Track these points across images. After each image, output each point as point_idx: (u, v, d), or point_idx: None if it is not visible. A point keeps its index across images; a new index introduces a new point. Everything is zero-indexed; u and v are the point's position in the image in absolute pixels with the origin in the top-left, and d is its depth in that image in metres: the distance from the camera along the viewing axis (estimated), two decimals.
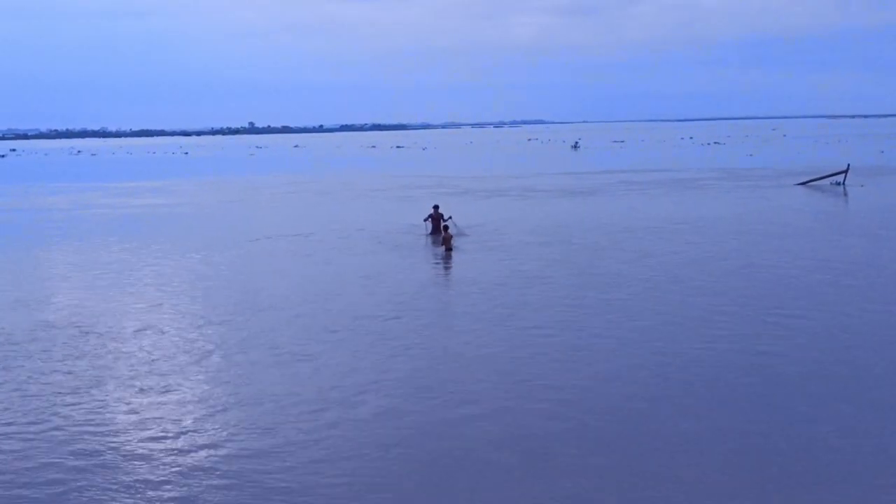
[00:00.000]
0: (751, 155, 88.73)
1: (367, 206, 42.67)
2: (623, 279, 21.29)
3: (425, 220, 30.26)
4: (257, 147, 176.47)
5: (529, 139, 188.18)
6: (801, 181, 48.76)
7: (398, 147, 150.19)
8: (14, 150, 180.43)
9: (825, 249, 25.41)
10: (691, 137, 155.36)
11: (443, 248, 26.32)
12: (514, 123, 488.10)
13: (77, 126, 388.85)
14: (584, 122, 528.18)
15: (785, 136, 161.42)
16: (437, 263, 25.09)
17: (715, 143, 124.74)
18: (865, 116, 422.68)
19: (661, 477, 9.85)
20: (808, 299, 18.54)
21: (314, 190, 56.31)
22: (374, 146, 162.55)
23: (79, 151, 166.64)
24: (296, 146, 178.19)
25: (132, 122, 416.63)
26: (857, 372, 13.48)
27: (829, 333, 15.76)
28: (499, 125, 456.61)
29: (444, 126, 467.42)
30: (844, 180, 46.71)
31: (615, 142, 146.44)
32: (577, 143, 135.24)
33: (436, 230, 29.24)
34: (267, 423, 11.70)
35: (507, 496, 9.51)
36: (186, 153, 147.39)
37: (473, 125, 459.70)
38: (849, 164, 48.76)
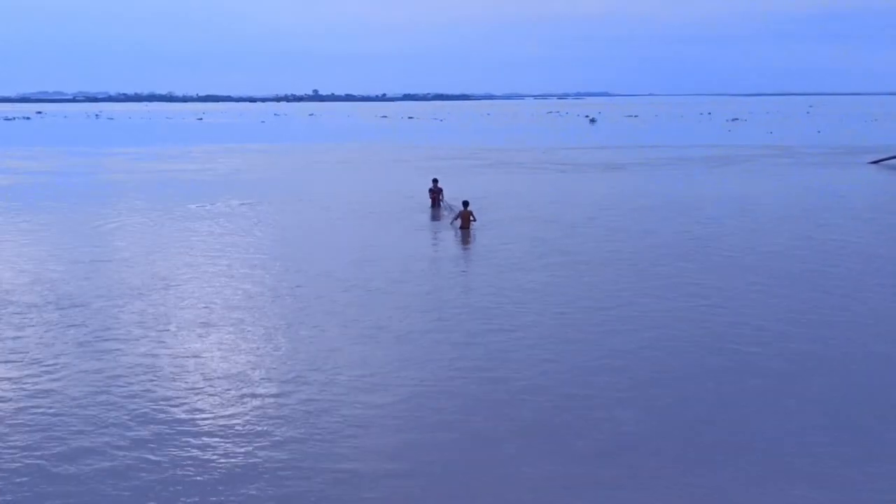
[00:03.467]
0: (771, 133, 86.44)
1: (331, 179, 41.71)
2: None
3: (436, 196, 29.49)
4: (275, 115, 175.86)
5: (549, 111, 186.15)
6: (874, 160, 47.50)
7: (409, 118, 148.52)
8: (40, 112, 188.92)
9: None
10: (710, 113, 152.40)
11: (459, 225, 24.93)
12: (577, 95, 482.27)
13: (145, 90, 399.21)
14: (650, 94, 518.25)
15: (808, 112, 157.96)
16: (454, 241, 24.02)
17: (734, 119, 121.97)
18: None
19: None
20: None
21: (271, 163, 55.32)
22: (385, 116, 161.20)
23: (97, 115, 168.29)
24: (311, 114, 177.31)
25: (199, 87, 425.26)
26: None
27: None
28: (562, 97, 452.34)
29: (506, 97, 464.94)
30: None
31: (628, 116, 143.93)
32: (593, 118, 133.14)
33: (435, 203, 28.94)
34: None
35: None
36: (200, 118, 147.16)
37: (536, 97, 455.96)
38: None
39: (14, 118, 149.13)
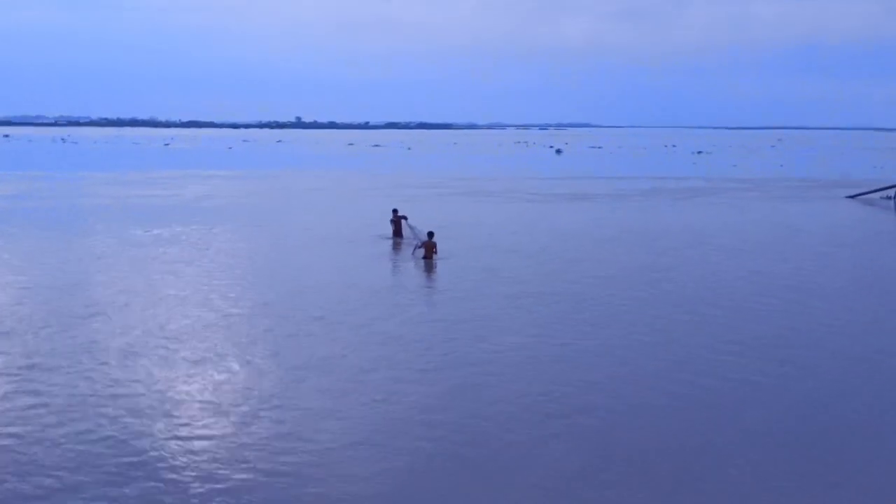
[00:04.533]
0: (734, 166, 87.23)
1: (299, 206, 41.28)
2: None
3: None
4: (243, 141, 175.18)
5: (517, 142, 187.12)
6: (852, 194, 47.39)
7: (376, 146, 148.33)
8: (7, 135, 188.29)
9: None
10: (674, 145, 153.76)
11: (423, 254, 24.57)
12: (559, 126, 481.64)
13: (128, 115, 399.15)
14: (633, 126, 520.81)
15: (773, 146, 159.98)
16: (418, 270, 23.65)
17: (699, 152, 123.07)
18: None
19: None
20: None
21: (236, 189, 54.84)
22: (352, 143, 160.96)
23: (63, 139, 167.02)
24: (279, 141, 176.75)
25: (182, 113, 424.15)
26: None
27: None
28: (544, 127, 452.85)
29: (489, 126, 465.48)
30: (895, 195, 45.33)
31: (592, 147, 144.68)
32: (559, 148, 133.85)
33: (397, 233, 28.61)
34: None
35: None
36: (167, 144, 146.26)
37: (518, 127, 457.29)
38: None
39: None
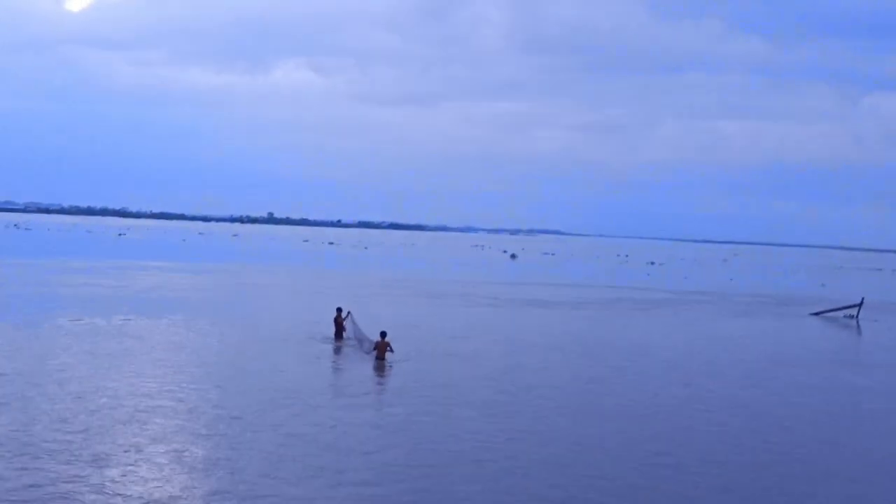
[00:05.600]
0: (685, 278, 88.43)
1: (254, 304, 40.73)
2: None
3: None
4: (199, 234, 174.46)
5: (474, 245, 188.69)
6: (816, 311, 47.87)
7: (330, 243, 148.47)
8: None
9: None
10: (627, 255, 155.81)
11: (375, 355, 24.34)
12: (530, 232, 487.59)
13: (99, 204, 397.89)
14: (601, 235, 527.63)
15: (726, 260, 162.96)
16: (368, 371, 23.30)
17: (651, 263, 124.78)
18: (880, 251, 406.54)
19: None
20: None
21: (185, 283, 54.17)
22: (306, 240, 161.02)
23: (16, 225, 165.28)
24: (234, 235, 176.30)
25: (154, 204, 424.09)
26: None
27: None
28: (514, 232, 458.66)
29: (460, 230, 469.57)
30: (858, 314, 45.88)
31: (545, 254, 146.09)
32: (514, 253, 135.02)
33: (338, 334, 28.14)
34: None
35: None
36: (122, 234, 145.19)
37: (489, 230, 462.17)
38: (863, 298, 47.51)
39: None
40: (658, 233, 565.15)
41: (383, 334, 24.69)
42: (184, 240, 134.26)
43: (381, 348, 24.36)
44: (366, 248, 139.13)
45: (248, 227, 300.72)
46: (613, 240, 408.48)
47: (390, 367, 23.66)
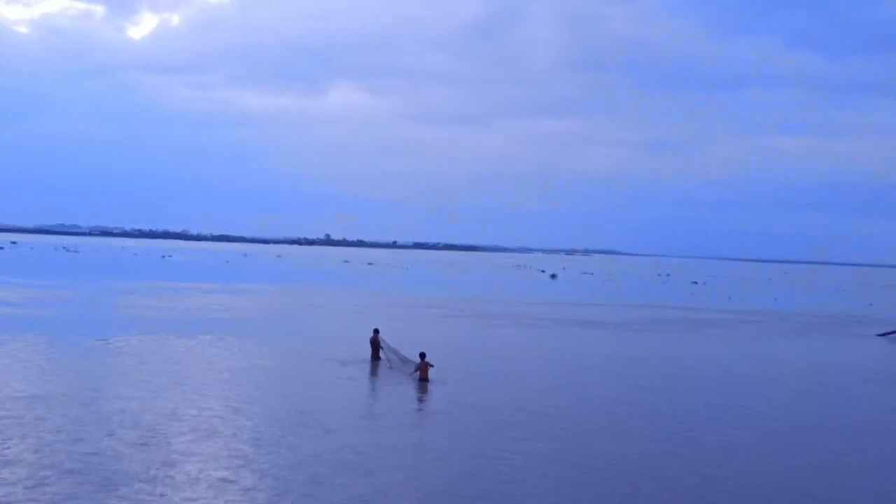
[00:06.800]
0: (729, 297, 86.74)
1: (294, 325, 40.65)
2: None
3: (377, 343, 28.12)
4: (244, 255, 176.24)
5: (516, 265, 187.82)
6: (882, 332, 45.74)
7: (369, 264, 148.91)
8: (14, 242, 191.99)
9: None
10: (668, 274, 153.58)
11: (418, 377, 24.29)
12: (586, 252, 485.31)
13: (160, 227, 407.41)
14: (654, 255, 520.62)
15: (770, 279, 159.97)
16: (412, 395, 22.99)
17: (693, 282, 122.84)
18: None
19: None
20: None
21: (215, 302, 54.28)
22: (346, 261, 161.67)
23: (65, 248, 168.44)
24: (278, 256, 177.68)
25: (214, 226, 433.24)
26: None
27: None
28: (570, 252, 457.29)
29: (515, 250, 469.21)
30: None
31: (584, 273, 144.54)
32: (554, 273, 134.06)
33: (375, 355, 27.74)
34: None
35: None
36: (170, 256, 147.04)
37: (545, 251, 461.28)
38: None
39: None
40: (713, 252, 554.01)
41: (422, 355, 24.52)
42: (227, 261, 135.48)
43: (423, 369, 24.26)
44: (406, 268, 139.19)
45: (295, 248, 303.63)
46: (667, 259, 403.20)
47: (430, 388, 23.45)
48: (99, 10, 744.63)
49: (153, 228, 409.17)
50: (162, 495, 12.95)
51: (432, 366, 24.37)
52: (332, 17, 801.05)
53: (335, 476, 14.39)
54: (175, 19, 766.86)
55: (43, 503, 12.39)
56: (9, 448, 15.10)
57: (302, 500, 13.09)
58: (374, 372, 26.40)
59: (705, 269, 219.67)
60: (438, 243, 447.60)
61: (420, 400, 22.21)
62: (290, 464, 15.05)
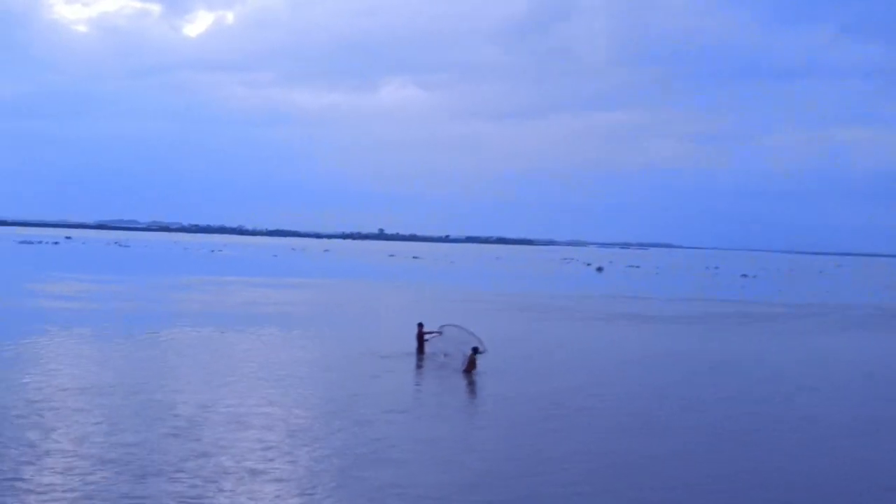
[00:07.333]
0: (778, 291, 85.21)
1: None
2: None
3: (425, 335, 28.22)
4: (291, 249, 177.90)
5: (563, 258, 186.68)
6: None
7: (414, 258, 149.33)
8: (69, 237, 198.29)
9: None
10: (717, 267, 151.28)
11: (463, 367, 24.54)
12: (641, 245, 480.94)
13: (216, 222, 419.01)
14: (714, 248, 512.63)
15: (822, 272, 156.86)
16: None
17: (743, 275, 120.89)
18: None
19: None
20: None
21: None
22: (392, 255, 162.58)
23: (117, 242, 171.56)
24: (326, 250, 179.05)
25: (269, 221, 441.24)
26: None
27: None
28: (625, 246, 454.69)
29: (569, 244, 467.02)
30: None
31: (630, 266, 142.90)
32: (601, 266, 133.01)
33: (420, 349, 27.84)
34: None
35: None
36: (220, 250, 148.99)
37: (599, 244, 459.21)
38: None
39: (41, 242, 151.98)
40: (770, 245, 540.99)
41: (475, 350, 24.60)
42: (275, 255, 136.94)
43: (471, 363, 24.36)
44: (451, 262, 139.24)
45: (345, 242, 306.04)
46: (723, 252, 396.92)
47: (475, 380, 23.48)
48: (155, 8, 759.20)
49: (210, 224, 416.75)
50: (196, 486, 13.12)
51: (481, 353, 24.48)
52: (378, 12, 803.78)
53: (367, 467, 14.46)
54: (229, 17, 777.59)
55: (81, 493, 12.61)
56: (51, 439, 15.45)
57: (334, 492, 13.18)
58: (417, 366, 26.40)
59: (759, 262, 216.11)
60: (491, 237, 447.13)
61: (458, 393, 22.20)
62: (322, 455, 15.18)
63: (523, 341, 33.15)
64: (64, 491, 12.68)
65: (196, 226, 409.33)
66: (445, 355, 26.22)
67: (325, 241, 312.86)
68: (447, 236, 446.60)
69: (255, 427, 17.05)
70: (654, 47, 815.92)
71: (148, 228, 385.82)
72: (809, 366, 29.75)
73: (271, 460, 14.71)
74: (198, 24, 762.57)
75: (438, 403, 20.82)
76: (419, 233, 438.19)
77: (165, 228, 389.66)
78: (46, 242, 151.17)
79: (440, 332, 27.54)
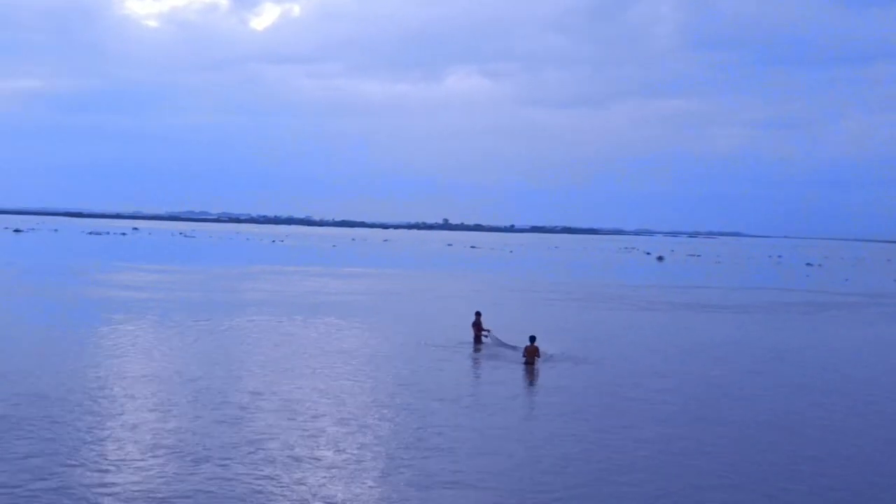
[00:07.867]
0: (844, 280, 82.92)
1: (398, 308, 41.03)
2: None
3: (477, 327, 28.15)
4: (352, 239, 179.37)
5: (625, 247, 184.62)
6: None
7: (472, 247, 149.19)
8: (136, 228, 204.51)
9: None
10: (780, 256, 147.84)
11: (524, 360, 24.19)
12: (709, 234, 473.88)
13: (285, 214, 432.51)
14: (783, 236, 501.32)
15: (889, 260, 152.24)
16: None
17: (808, 264, 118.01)
18: None
19: None
20: None
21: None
22: (450, 244, 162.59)
23: (182, 233, 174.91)
24: (385, 240, 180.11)
25: (336, 212, 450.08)
26: None
27: None
28: (693, 235, 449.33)
29: (636, 233, 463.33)
30: None
31: (690, 256, 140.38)
32: (661, 255, 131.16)
33: (477, 338, 27.69)
34: None
35: None
36: (282, 241, 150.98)
37: (666, 233, 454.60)
38: None
39: (108, 233, 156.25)
40: (840, 233, 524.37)
41: (532, 339, 24.33)
42: (334, 245, 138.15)
43: (531, 353, 24.03)
44: (510, 251, 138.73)
45: (406, 232, 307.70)
46: (791, 241, 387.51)
47: (537, 373, 23.19)
48: (223, 2, 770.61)
49: (278, 215, 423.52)
50: (244, 474, 13.26)
51: (539, 357, 24.04)
52: (443, 2, 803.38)
53: (415, 457, 14.44)
54: (296, 10, 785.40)
55: (132, 482, 12.81)
56: (104, 426, 15.78)
57: (381, 480, 13.20)
58: (473, 355, 26.28)
59: (826, 250, 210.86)
60: (556, 227, 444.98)
61: (512, 383, 22.02)
62: (370, 443, 15.21)
63: (581, 331, 32.79)
64: (116, 476, 12.93)
65: (265, 216, 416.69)
66: (503, 346, 26.11)
67: (389, 231, 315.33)
68: (512, 226, 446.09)
69: (305, 415, 17.18)
70: (719, 33, 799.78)
71: (219, 220, 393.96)
72: (874, 356, 28.89)
73: (320, 448, 14.80)
74: (265, 17, 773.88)
75: (493, 393, 20.65)
76: (484, 223, 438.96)
77: (235, 220, 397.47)
78: (114, 233, 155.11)
79: (488, 332, 27.54)
